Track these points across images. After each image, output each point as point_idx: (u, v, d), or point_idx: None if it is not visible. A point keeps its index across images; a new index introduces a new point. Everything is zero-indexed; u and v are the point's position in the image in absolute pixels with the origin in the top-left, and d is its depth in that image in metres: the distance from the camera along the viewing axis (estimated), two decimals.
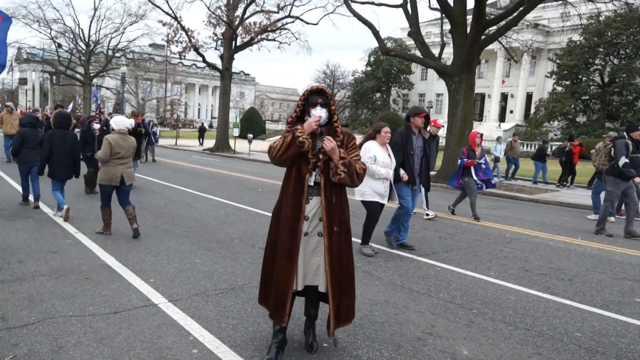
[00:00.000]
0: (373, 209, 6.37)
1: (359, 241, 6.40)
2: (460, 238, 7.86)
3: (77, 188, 10.78)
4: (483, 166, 9.52)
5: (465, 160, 9.44)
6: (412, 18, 17.93)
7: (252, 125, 40.81)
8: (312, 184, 3.27)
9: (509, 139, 20.60)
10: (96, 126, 10.25)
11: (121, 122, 6.73)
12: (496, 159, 18.30)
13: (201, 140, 33.64)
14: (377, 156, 6.17)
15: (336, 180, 3.22)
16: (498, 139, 19.76)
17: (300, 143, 3.16)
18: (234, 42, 27.69)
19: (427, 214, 9.59)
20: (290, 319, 3.37)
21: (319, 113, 3.25)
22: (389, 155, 6.32)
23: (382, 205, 6.44)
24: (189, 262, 5.66)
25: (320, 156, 3.24)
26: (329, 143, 3.17)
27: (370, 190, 6.20)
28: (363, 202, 6.38)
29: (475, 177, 9.42)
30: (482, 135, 9.91)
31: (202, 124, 41.23)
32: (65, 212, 7.35)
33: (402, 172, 6.57)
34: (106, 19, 46.79)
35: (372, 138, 6.37)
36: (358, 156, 3.39)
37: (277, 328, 3.37)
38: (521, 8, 15.31)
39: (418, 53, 19.84)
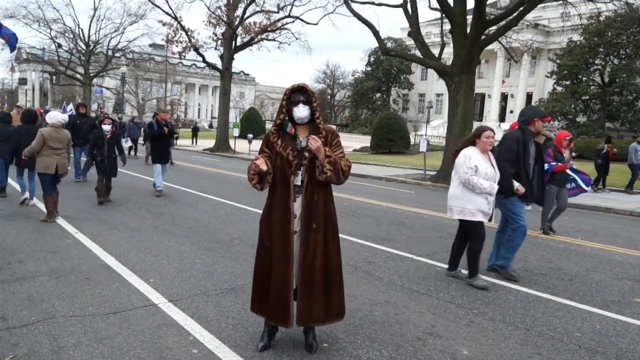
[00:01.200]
0: (476, 230, 5.34)
1: (351, 239, 6.38)
2: None
3: (78, 188, 10.78)
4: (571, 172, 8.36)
5: (554, 164, 7.90)
6: (412, 18, 17.93)
7: (252, 125, 40.78)
8: (299, 183, 3.31)
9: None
10: (106, 127, 9.28)
11: (54, 117, 7.54)
12: None
13: (194, 140, 33.67)
14: (478, 166, 5.20)
15: (322, 179, 3.27)
16: None
17: (253, 178, 3.31)
18: (234, 42, 27.70)
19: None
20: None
21: (301, 112, 3.29)
22: (492, 165, 5.35)
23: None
24: (189, 262, 5.66)
25: (306, 154, 3.28)
26: (314, 142, 3.19)
27: (473, 207, 5.27)
28: (463, 221, 5.44)
29: (581, 183, 8.39)
30: (571, 137, 8.65)
31: (196, 123, 41.24)
32: (23, 200, 8.45)
33: (516, 184, 5.49)
34: (106, 19, 46.60)
35: (471, 144, 5.43)
36: (342, 153, 3.42)
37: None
38: (521, 8, 15.31)
39: (418, 53, 19.84)
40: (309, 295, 3.32)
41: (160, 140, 10.66)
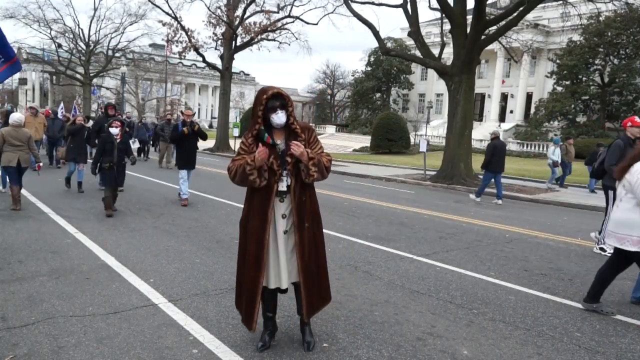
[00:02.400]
0: None
1: (351, 239, 6.35)
2: (460, 238, 7.86)
3: (78, 189, 10.78)
4: None
5: None
6: (412, 18, 17.93)
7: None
8: (284, 188, 3.34)
9: (556, 142, 17.09)
10: (114, 131, 8.27)
11: (12, 117, 8.32)
12: (554, 164, 16.08)
13: None
14: None
15: (309, 182, 3.36)
16: (556, 142, 16.58)
17: (253, 182, 3.27)
18: (234, 42, 27.70)
19: None
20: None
21: (280, 118, 3.27)
22: None
23: None
24: (189, 262, 5.66)
25: (288, 159, 3.30)
26: (297, 148, 3.23)
27: None
28: (632, 252, 4.49)
29: None
30: None
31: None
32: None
33: None
34: (106, 19, 46.69)
35: None
36: (321, 149, 3.48)
37: (269, 316, 3.58)
38: (521, 8, 15.31)
39: (418, 53, 19.84)
40: (310, 292, 3.44)
41: (185, 143, 9.59)
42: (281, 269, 3.37)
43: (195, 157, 9.81)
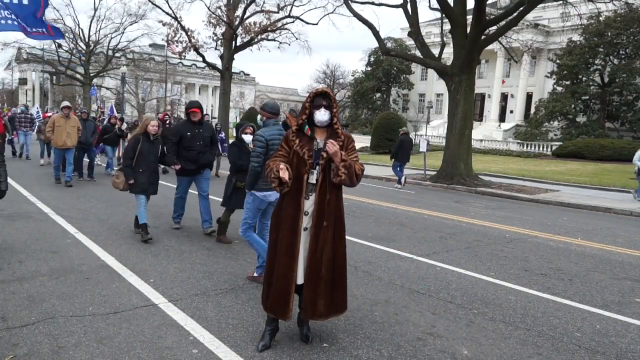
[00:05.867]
0: None
1: (351, 239, 6.38)
2: (460, 238, 7.86)
3: (78, 188, 10.77)
4: None
5: None
6: (412, 18, 17.93)
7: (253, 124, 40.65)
8: (313, 181, 3.43)
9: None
10: (247, 138, 6.11)
11: None
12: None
13: None
14: None
15: (337, 181, 3.40)
16: None
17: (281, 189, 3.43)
18: (234, 42, 27.67)
19: None
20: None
21: (322, 115, 3.43)
22: None
23: None
24: (189, 262, 5.66)
25: (323, 154, 3.40)
26: (332, 146, 3.33)
27: None
28: None
29: None
30: None
31: None
32: None
33: None
34: (106, 19, 46.57)
35: None
36: (357, 157, 3.56)
37: (271, 317, 3.55)
38: (521, 8, 15.30)
39: (418, 53, 19.84)
40: (314, 290, 3.44)
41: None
42: (299, 266, 3.44)
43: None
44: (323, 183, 3.43)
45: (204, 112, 7.53)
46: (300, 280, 3.45)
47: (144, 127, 6.71)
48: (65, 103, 11.89)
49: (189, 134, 6.99)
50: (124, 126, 14.68)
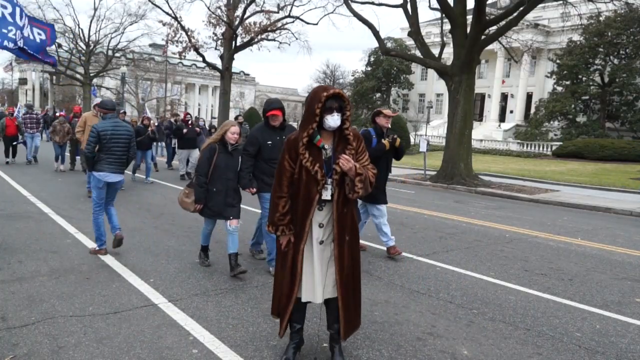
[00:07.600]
0: None
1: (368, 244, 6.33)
2: (460, 238, 7.86)
3: (78, 188, 10.77)
4: None
5: None
6: (412, 18, 17.92)
7: (252, 125, 40.56)
8: (328, 198, 3.16)
9: None
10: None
11: None
12: None
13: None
14: None
15: (353, 197, 3.16)
16: None
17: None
18: (234, 42, 27.68)
19: None
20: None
21: (335, 121, 3.09)
22: None
23: None
24: (189, 262, 5.66)
25: (337, 169, 3.12)
26: (346, 163, 3.05)
27: None
28: None
29: None
30: None
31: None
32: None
33: None
34: (106, 19, 46.75)
35: None
36: (367, 159, 3.29)
37: (296, 328, 3.37)
38: (521, 8, 15.29)
39: (418, 53, 19.83)
40: (348, 309, 3.26)
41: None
42: (316, 283, 3.18)
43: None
44: (339, 196, 3.17)
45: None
46: (318, 299, 3.21)
47: (221, 134, 5.34)
48: (97, 101, 11.29)
49: (269, 142, 5.33)
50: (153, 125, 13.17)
